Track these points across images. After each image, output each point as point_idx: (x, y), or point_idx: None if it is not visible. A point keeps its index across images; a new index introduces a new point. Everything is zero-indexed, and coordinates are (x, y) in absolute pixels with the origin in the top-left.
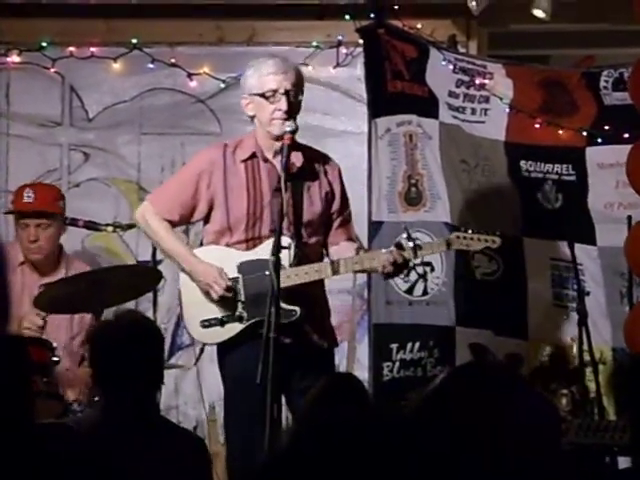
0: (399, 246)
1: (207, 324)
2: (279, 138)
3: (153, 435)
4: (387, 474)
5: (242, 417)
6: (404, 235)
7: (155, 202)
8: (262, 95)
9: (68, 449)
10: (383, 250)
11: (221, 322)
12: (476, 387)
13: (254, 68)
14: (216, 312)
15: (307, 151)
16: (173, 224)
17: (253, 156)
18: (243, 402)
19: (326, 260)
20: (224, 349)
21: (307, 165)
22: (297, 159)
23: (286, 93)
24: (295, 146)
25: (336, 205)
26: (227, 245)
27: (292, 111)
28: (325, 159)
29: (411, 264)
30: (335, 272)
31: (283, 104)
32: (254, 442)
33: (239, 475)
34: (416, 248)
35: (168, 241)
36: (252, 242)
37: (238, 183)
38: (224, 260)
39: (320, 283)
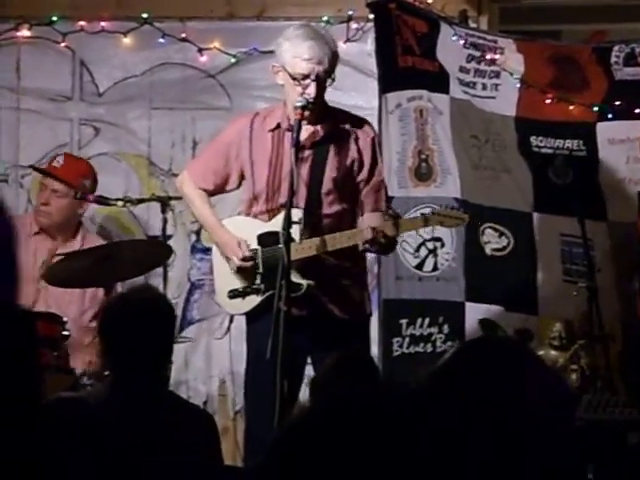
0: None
1: (231, 295)
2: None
3: (161, 410)
4: (399, 447)
5: (258, 391)
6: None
7: (191, 170)
8: (293, 77)
9: (79, 421)
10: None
11: (243, 293)
12: (486, 362)
13: (290, 43)
14: (239, 283)
15: (340, 116)
16: (208, 192)
17: (278, 126)
18: (260, 376)
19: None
20: (249, 320)
21: (335, 131)
22: (322, 128)
23: (317, 79)
24: (327, 114)
25: (363, 174)
26: (254, 215)
27: (320, 95)
28: (359, 125)
29: (419, 240)
30: (325, 248)
31: (312, 90)
32: (269, 417)
33: (254, 449)
34: (397, 224)
35: (202, 211)
36: (272, 213)
37: (263, 153)
38: (247, 230)
39: (356, 256)
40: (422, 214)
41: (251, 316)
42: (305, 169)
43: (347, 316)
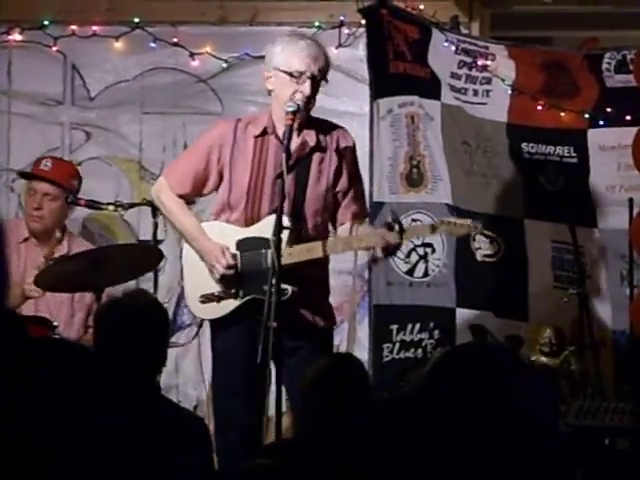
0: (389, 227)
1: (204, 300)
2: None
3: (153, 414)
4: (378, 454)
5: (228, 393)
6: (389, 218)
7: (169, 175)
8: (289, 73)
9: None
10: (373, 230)
11: (218, 298)
12: (473, 368)
13: (284, 44)
14: (214, 287)
15: (322, 126)
16: (186, 197)
17: (264, 132)
18: (229, 379)
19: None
20: (217, 325)
21: (319, 141)
22: (310, 138)
23: (312, 78)
24: (309, 123)
25: (343, 182)
26: (227, 221)
27: (313, 96)
28: (340, 134)
29: (410, 246)
30: (325, 252)
31: (307, 88)
32: (236, 418)
33: (222, 450)
34: (402, 231)
35: (180, 219)
36: (251, 220)
37: (244, 159)
38: (225, 236)
39: (321, 265)
40: (430, 223)
41: (221, 321)
42: (289, 180)
43: (321, 322)
